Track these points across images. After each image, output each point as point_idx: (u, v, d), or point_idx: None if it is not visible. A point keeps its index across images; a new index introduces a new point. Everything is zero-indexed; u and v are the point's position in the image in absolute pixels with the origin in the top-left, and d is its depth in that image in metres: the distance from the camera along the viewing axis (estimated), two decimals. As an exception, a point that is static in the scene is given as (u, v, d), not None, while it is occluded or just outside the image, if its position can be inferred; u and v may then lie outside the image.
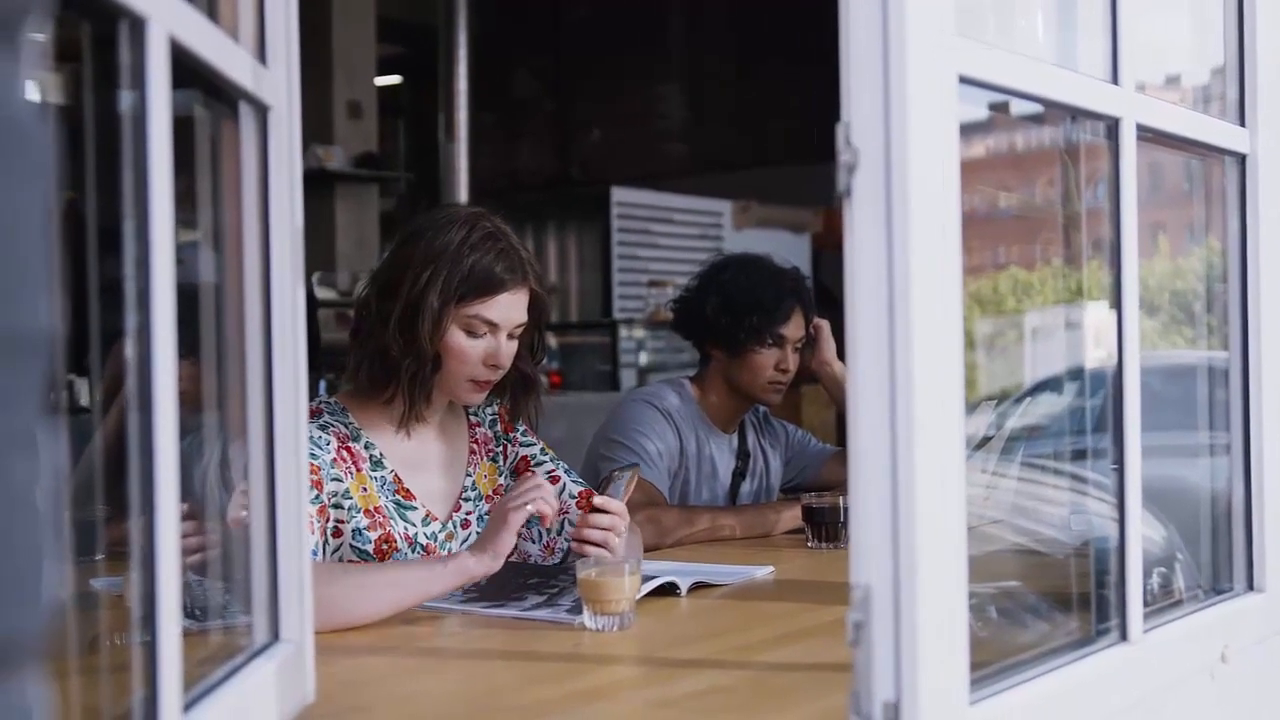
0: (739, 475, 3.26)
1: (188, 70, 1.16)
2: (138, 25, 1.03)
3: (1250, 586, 1.90)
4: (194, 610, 1.41)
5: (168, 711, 1.04)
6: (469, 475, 2.45)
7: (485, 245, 2.28)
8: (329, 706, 1.53)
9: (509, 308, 2.30)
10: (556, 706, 1.62)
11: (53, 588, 0.64)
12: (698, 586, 2.30)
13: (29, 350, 0.62)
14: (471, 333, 2.28)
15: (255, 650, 1.40)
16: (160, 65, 1.05)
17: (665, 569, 2.29)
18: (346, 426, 2.30)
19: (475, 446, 2.48)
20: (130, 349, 1.05)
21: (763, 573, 2.47)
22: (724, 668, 1.79)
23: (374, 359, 2.30)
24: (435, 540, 2.35)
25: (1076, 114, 1.63)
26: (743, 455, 3.28)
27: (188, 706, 1.13)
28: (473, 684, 1.76)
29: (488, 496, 2.46)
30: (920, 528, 1.21)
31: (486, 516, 2.41)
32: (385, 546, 2.27)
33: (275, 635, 1.43)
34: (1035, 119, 1.79)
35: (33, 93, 0.64)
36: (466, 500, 2.43)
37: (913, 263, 1.21)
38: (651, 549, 2.80)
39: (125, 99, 1.05)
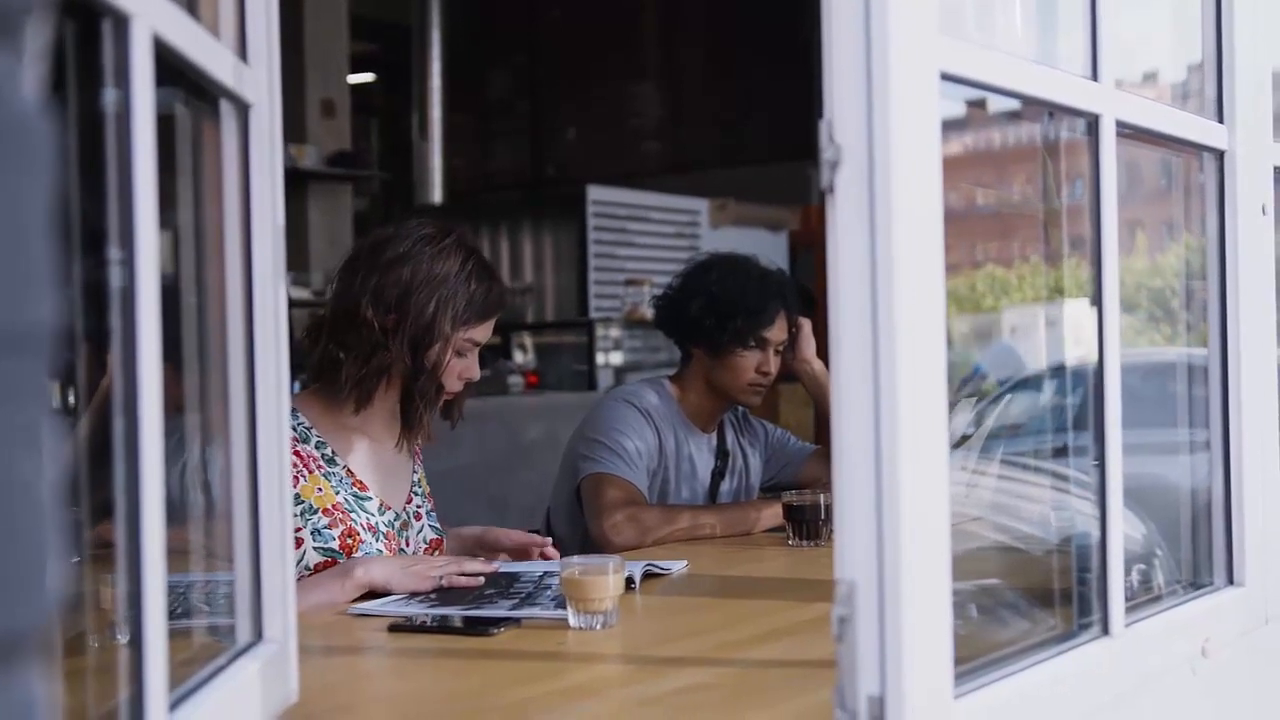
0: (718, 474, 3.26)
1: (169, 68, 1.15)
2: (121, 23, 1.03)
3: (1230, 581, 1.91)
4: (174, 610, 1.41)
5: (154, 711, 1.04)
6: (415, 472, 2.58)
7: (482, 273, 2.43)
8: (312, 706, 1.53)
9: (491, 328, 2.49)
10: (540, 705, 1.61)
11: (56, 583, 0.64)
12: (649, 576, 2.35)
13: (34, 346, 0.62)
14: (459, 353, 2.43)
15: (239, 650, 1.39)
16: (144, 63, 1.05)
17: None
18: (295, 429, 2.33)
19: (416, 449, 2.61)
20: (114, 350, 1.04)
21: (678, 567, 2.49)
22: (707, 665, 1.79)
23: (377, 375, 2.38)
24: (393, 528, 2.45)
25: (1057, 110, 1.64)
26: (722, 454, 3.28)
27: (173, 706, 1.12)
28: (456, 683, 1.76)
29: (428, 494, 2.61)
30: (904, 522, 1.21)
31: (432, 512, 2.58)
32: (350, 541, 2.35)
33: (259, 635, 1.43)
34: (1013, 115, 1.79)
35: (34, 90, 0.64)
36: (416, 494, 2.56)
37: (896, 259, 1.21)
38: (633, 548, 2.80)
39: (108, 96, 1.05)
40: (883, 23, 1.21)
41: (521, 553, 2.54)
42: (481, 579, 2.24)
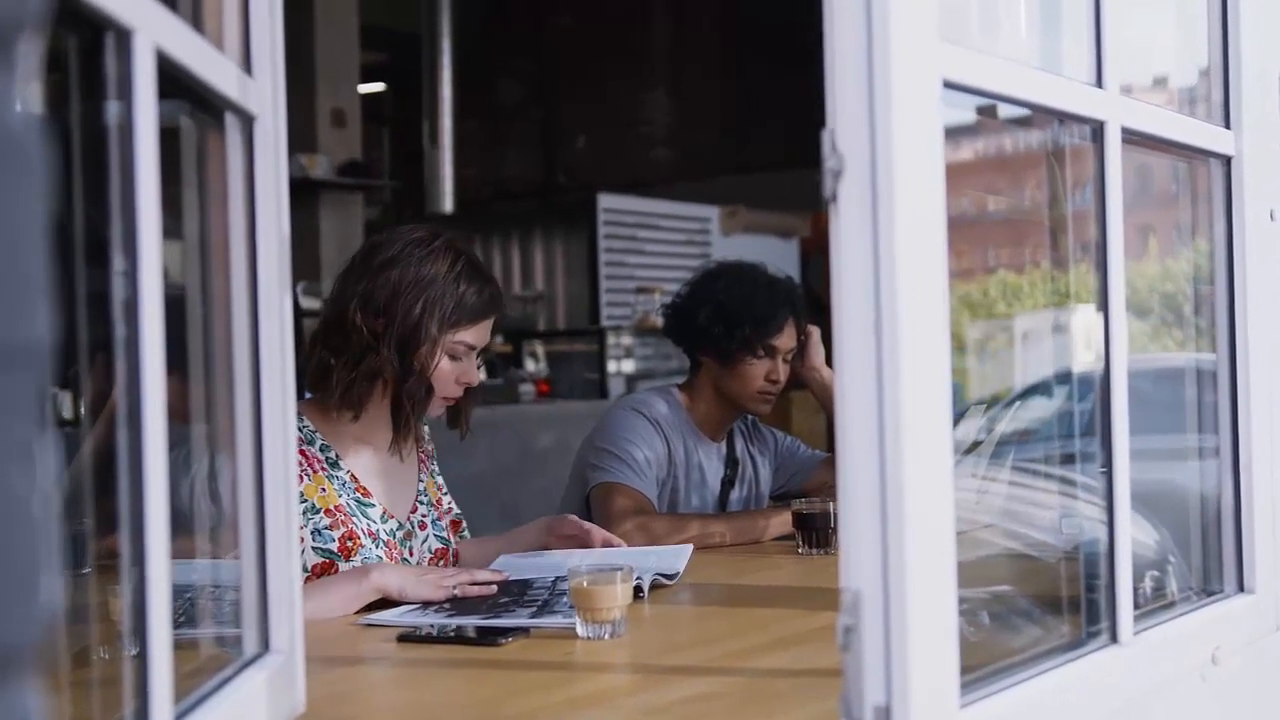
0: (728, 483, 3.26)
1: (173, 81, 1.16)
2: (124, 36, 1.03)
3: (1240, 588, 1.90)
4: (179, 618, 1.41)
5: (158, 724, 1.04)
6: (421, 481, 2.58)
7: (473, 275, 2.43)
8: (319, 717, 1.53)
9: (487, 332, 2.47)
10: (549, 715, 1.61)
11: (51, 598, 0.64)
12: (656, 586, 2.35)
13: (26, 361, 0.62)
14: (453, 356, 2.42)
15: (245, 661, 1.39)
16: (147, 76, 1.05)
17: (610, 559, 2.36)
18: (301, 430, 2.34)
19: (423, 457, 2.61)
20: (118, 362, 1.05)
21: (684, 555, 2.52)
22: (715, 674, 1.78)
23: (367, 380, 2.38)
24: (395, 538, 2.45)
25: (1061, 117, 1.63)
26: (731, 463, 3.28)
27: (179, 717, 1.13)
28: (464, 693, 1.76)
29: (435, 503, 2.59)
30: (909, 531, 1.21)
31: (438, 521, 2.57)
32: (350, 544, 2.36)
33: (265, 646, 1.43)
34: (1023, 122, 1.79)
35: (28, 104, 0.65)
36: (422, 503, 2.56)
37: (899, 268, 1.21)
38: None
39: (111, 110, 1.05)
40: (884, 30, 1.21)
41: (582, 541, 2.58)
42: (494, 588, 2.25)
